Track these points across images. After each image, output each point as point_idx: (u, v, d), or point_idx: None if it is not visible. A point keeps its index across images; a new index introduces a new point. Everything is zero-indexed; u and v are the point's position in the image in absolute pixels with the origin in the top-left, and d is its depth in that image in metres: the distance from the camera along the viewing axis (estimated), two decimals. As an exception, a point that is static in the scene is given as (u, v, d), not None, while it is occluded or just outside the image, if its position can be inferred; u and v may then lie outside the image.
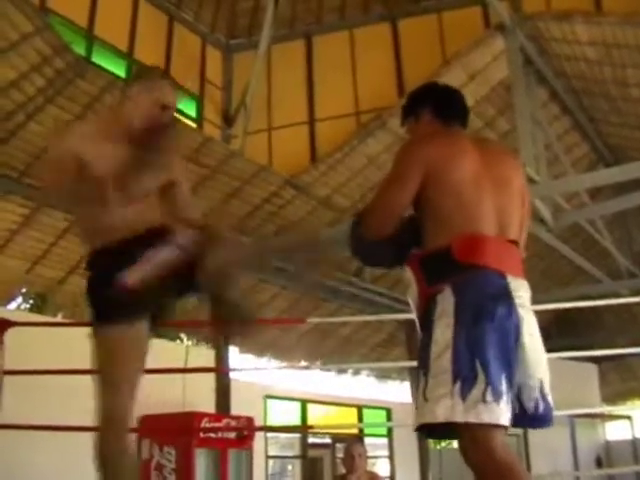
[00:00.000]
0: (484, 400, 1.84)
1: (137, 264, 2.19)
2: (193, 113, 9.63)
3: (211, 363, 8.82)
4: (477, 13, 9.39)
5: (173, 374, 6.41)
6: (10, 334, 3.48)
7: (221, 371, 8.83)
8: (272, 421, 10.29)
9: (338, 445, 10.82)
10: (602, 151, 10.19)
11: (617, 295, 9.18)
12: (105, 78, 6.92)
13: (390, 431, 11.96)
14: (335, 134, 9.24)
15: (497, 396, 1.85)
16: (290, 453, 11.90)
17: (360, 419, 11.72)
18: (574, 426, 12.22)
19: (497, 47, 8.12)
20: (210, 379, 8.79)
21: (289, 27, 10.14)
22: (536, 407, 1.99)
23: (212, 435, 7.74)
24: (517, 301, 1.98)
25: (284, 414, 10.88)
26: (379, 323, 11.33)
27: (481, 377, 1.85)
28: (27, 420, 3.82)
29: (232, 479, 7.89)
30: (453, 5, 9.57)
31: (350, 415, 11.65)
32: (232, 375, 9.12)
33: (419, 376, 1.97)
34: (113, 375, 2.19)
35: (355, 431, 10.83)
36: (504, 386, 1.88)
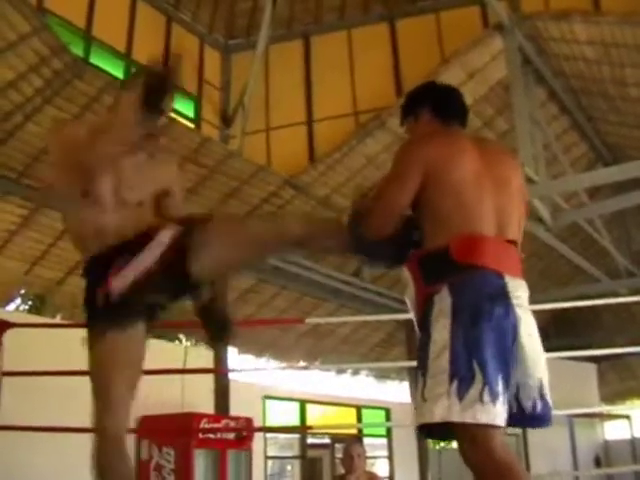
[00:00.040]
0: (481, 400, 1.84)
1: (122, 269, 2.16)
2: (191, 113, 9.63)
3: (210, 364, 8.81)
4: (475, 13, 9.39)
5: (172, 375, 6.39)
6: (9, 335, 3.48)
7: (220, 372, 8.82)
8: (271, 422, 10.28)
9: (337, 445, 10.81)
10: (601, 150, 10.19)
11: (616, 294, 9.19)
12: (103, 79, 6.91)
13: (389, 431, 11.96)
14: (334, 134, 9.25)
15: (494, 396, 1.85)
16: (289, 453, 11.89)
17: (359, 419, 11.71)
18: (573, 426, 12.23)
19: (495, 47, 8.13)
20: (209, 380, 8.79)
21: (287, 27, 10.15)
22: (534, 407, 1.99)
23: (211, 436, 7.73)
24: (515, 301, 1.98)
25: (283, 414, 10.88)
26: (378, 323, 11.33)
27: (479, 377, 1.86)
28: (26, 421, 3.82)
29: (231, 480, 7.90)
30: (451, 5, 9.57)
31: (349, 415, 11.64)
32: (231, 376, 9.12)
33: (418, 376, 1.97)
34: (107, 384, 2.16)
35: (354, 431, 10.84)
36: (500, 386, 1.88)
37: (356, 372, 12.06)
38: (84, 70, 6.77)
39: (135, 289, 2.16)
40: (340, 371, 11.77)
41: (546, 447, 11.04)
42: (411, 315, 2.15)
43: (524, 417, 1.99)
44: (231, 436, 7.86)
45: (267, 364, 10.63)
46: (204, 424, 7.56)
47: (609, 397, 13.28)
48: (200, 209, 8.05)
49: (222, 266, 2.36)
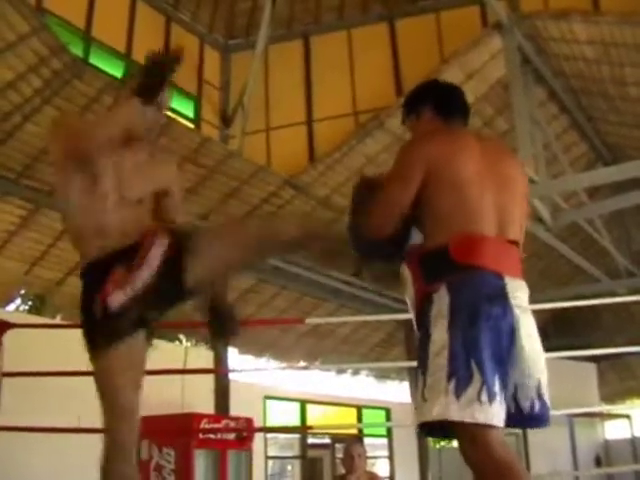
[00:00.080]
0: (479, 400, 1.84)
1: (120, 285, 2.15)
2: (191, 113, 9.63)
3: (210, 364, 8.81)
4: (475, 12, 9.39)
5: (172, 375, 6.39)
6: (9, 336, 3.48)
7: (220, 372, 8.82)
8: (271, 422, 10.28)
9: (337, 445, 10.82)
10: (600, 150, 10.19)
11: (615, 294, 9.19)
12: (102, 79, 6.91)
13: (389, 431, 11.96)
14: (333, 134, 9.25)
15: (492, 396, 1.85)
16: (290, 453, 11.90)
17: (359, 419, 11.71)
18: (573, 425, 12.23)
19: (495, 46, 8.13)
20: (209, 380, 8.79)
21: (287, 27, 10.15)
22: (532, 407, 1.98)
23: (211, 436, 7.73)
24: (514, 302, 1.97)
25: (283, 414, 10.88)
26: (378, 323, 11.33)
27: (477, 377, 1.85)
28: (26, 421, 3.82)
29: (231, 480, 7.90)
30: (451, 5, 9.57)
31: (349, 415, 11.64)
32: (231, 376, 9.12)
33: (418, 375, 1.97)
34: (114, 391, 2.17)
35: (354, 431, 10.83)
36: (498, 386, 1.88)
37: (356, 372, 12.07)
38: (83, 70, 6.77)
39: (133, 303, 2.16)
40: (340, 371, 11.78)
41: (546, 447, 11.04)
42: (411, 315, 2.15)
43: (522, 417, 1.98)
44: (231, 436, 7.85)
45: (267, 364, 10.63)
46: (204, 424, 7.56)
47: (609, 397, 13.28)
48: (200, 209, 8.06)
49: (218, 271, 2.36)
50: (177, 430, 7.22)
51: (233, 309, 2.50)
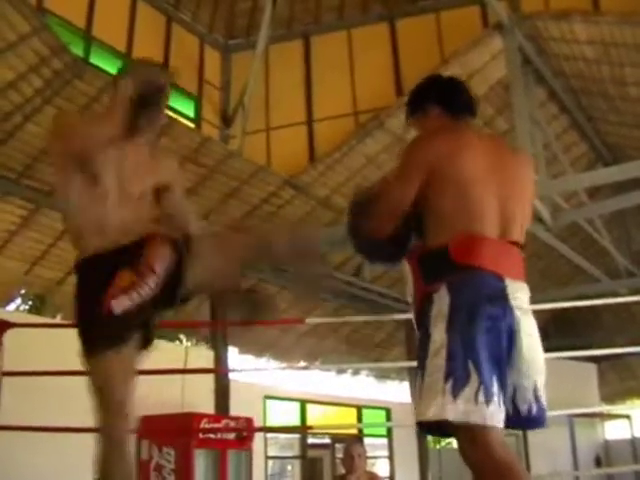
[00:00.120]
0: (476, 400, 1.84)
1: (126, 290, 2.14)
2: (191, 113, 9.62)
3: (210, 364, 8.81)
4: (475, 12, 9.39)
5: (172, 375, 6.40)
6: (9, 335, 3.48)
7: (220, 372, 8.82)
8: (271, 422, 10.28)
9: (338, 445, 10.81)
10: (601, 150, 10.19)
11: (616, 294, 9.17)
12: (103, 79, 6.90)
13: (390, 431, 11.96)
14: (333, 134, 9.24)
15: (489, 397, 1.85)
16: (290, 453, 11.89)
17: (359, 419, 11.71)
18: (573, 426, 12.22)
19: (495, 46, 8.12)
20: (209, 380, 8.79)
21: (287, 27, 10.14)
22: (529, 409, 1.98)
23: (211, 436, 7.73)
24: (514, 303, 1.96)
25: (283, 414, 10.88)
26: (378, 323, 11.33)
27: (474, 377, 1.85)
28: (26, 421, 3.82)
29: (231, 480, 7.90)
30: (451, 5, 9.56)
31: (349, 415, 11.64)
32: (231, 376, 9.11)
33: (417, 375, 1.97)
34: (110, 390, 2.17)
35: (354, 431, 10.83)
36: (495, 387, 1.87)
37: (356, 372, 12.07)
38: (84, 70, 6.77)
39: (137, 310, 2.15)
40: (340, 371, 11.78)
41: (546, 447, 11.04)
42: (411, 314, 2.15)
43: (520, 419, 1.98)
44: (231, 436, 7.86)
45: (267, 364, 10.63)
46: (204, 424, 7.56)
47: (609, 397, 13.29)
48: (200, 209, 8.06)
49: (219, 274, 2.36)
50: (177, 430, 7.23)
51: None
